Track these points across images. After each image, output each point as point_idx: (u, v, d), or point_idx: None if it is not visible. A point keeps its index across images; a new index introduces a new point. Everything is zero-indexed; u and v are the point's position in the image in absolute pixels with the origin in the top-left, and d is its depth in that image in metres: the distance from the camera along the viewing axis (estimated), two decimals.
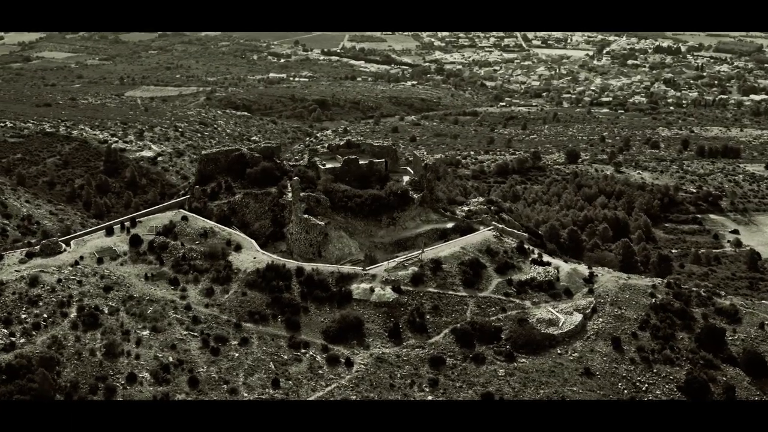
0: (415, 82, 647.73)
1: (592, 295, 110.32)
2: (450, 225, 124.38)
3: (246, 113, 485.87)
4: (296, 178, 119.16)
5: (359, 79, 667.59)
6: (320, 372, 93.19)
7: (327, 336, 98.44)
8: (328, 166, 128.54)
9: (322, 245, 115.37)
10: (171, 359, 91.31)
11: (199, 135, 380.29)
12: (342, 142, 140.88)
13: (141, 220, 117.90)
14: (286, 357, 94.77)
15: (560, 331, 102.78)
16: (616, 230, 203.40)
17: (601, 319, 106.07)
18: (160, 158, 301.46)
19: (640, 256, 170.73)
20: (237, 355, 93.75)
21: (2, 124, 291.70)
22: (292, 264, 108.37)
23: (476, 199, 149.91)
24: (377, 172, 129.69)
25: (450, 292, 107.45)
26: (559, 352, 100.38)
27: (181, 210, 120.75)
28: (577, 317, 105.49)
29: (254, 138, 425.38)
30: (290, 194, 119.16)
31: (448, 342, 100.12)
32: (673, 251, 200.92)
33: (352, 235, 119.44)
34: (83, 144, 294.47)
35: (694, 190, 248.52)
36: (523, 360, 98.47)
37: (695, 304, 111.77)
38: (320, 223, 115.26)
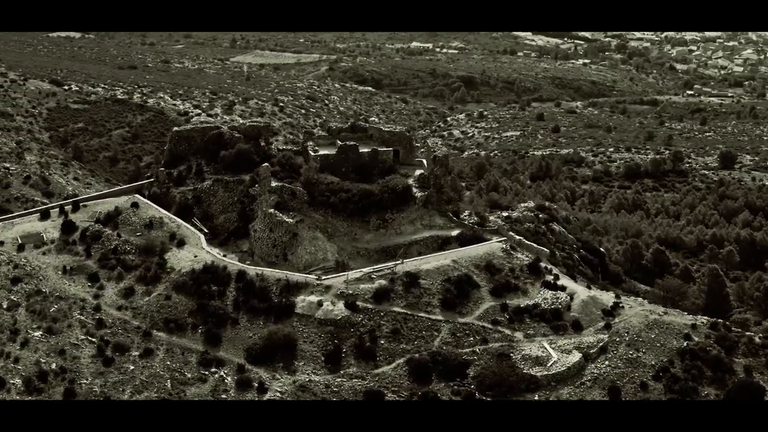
0: (588, 61, 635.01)
1: (608, 331, 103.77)
2: (455, 233, 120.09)
3: (371, 89, 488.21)
4: (266, 164, 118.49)
5: (520, 54, 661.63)
6: (223, 397, 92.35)
7: (249, 355, 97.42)
8: (323, 152, 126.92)
9: (288, 247, 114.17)
10: (53, 366, 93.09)
11: (302, 112, 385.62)
12: (346, 125, 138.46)
13: (86, 205, 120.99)
14: (189, 375, 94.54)
15: (545, 373, 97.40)
16: (749, 255, 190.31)
17: (607, 362, 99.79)
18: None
19: (753, 288, 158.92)
20: (132, 368, 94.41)
21: (66, 88, 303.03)
22: (234, 267, 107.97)
23: (525, 204, 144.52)
24: (382, 162, 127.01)
25: (421, 314, 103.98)
26: (537, 398, 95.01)
27: (136, 195, 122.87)
28: (575, 357, 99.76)
29: (373, 119, 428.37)
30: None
31: (399, 374, 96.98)
32: None
33: (331, 237, 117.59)
34: (158, 115, 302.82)
35: None
36: None
37: (741, 353, 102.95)
38: (288, 220, 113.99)
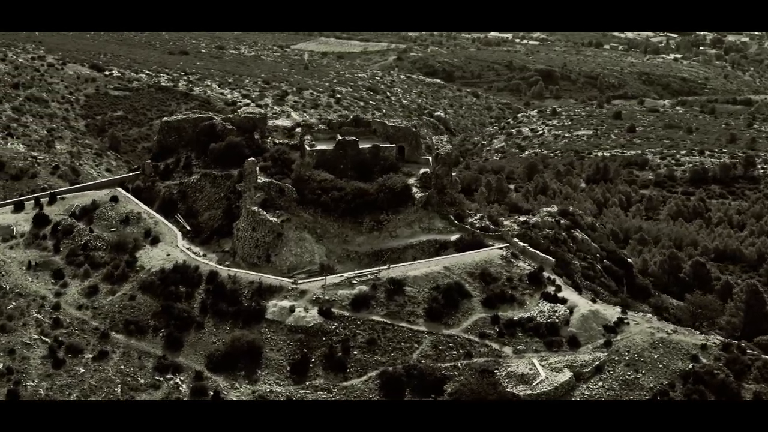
0: (679, 56, 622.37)
1: (607, 349, 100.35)
2: (455, 237, 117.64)
3: (440, 81, 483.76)
4: (251, 159, 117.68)
5: (606, 46, 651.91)
6: None
7: (210, 361, 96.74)
8: (320, 147, 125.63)
9: (272, 248, 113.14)
10: (0, 366, 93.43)
11: (360, 104, 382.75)
12: (348, 119, 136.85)
13: (64, 197, 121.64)
14: (142, 381, 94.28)
15: (530, 392, 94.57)
16: None
17: (601, 383, 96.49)
18: (298, 130, 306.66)
19: None
20: (83, 371, 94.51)
21: (107, 73, 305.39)
22: (206, 267, 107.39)
23: (547, 209, 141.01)
24: (383, 160, 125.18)
25: (402, 324, 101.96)
26: None
27: (118, 188, 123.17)
28: (565, 376, 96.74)
29: (438, 114, 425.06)
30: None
31: (369, 388, 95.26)
32: None
33: (320, 238, 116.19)
34: (204, 104, 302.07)
35: None
36: None
37: (753, 378, 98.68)
38: (272, 219, 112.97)
